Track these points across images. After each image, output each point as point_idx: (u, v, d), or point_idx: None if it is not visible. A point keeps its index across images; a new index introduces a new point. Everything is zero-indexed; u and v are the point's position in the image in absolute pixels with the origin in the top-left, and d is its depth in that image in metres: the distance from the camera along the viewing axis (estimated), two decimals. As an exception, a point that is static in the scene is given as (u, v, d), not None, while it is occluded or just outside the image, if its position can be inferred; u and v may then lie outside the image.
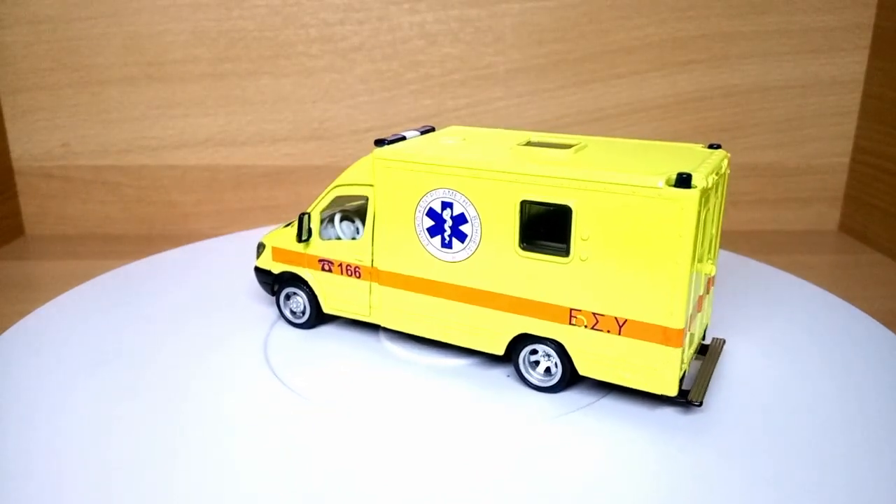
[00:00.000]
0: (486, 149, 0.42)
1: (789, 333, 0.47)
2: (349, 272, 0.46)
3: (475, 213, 0.40)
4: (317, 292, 0.47)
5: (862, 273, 0.67)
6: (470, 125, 0.78)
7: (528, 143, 0.42)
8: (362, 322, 0.49)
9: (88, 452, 0.34)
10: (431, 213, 0.41)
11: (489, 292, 0.41)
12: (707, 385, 0.39)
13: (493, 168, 0.39)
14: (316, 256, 0.47)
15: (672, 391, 0.37)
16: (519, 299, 0.40)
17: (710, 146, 0.41)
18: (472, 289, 0.41)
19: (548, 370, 0.40)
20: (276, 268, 0.49)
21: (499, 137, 0.45)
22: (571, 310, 0.38)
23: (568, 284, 0.38)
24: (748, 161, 0.80)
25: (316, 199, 0.47)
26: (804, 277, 0.59)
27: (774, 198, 0.81)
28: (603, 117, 0.78)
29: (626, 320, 0.37)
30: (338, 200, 0.47)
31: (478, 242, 0.40)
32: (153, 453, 0.34)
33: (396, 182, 0.42)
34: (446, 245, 0.41)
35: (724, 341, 0.44)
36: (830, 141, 0.79)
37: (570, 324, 0.39)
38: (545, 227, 0.38)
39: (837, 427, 0.37)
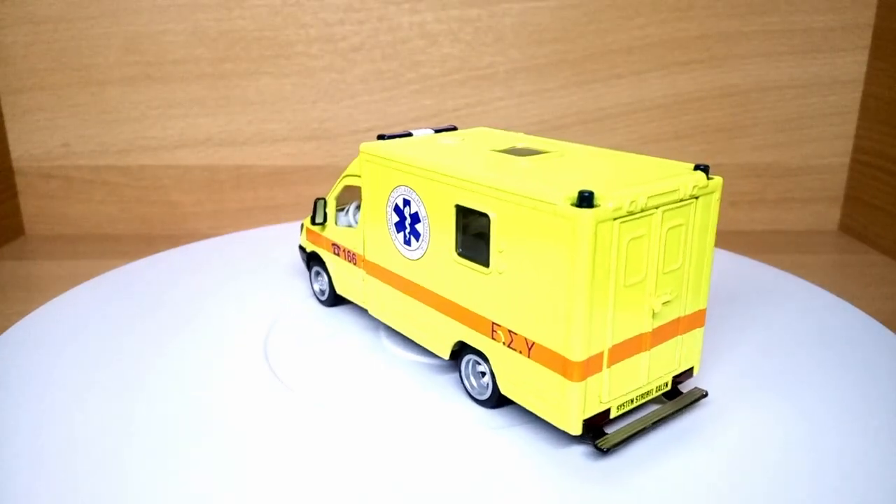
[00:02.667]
0: (463, 152, 0.41)
1: (789, 333, 0.47)
2: (350, 259, 0.48)
3: (426, 214, 0.39)
4: (331, 273, 0.50)
5: (862, 273, 0.67)
6: (470, 125, 0.78)
7: (508, 149, 0.40)
8: (362, 322, 0.49)
9: (88, 452, 0.34)
10: (397, 210, 0.42)
11: (436, 294, 0.40)
12: (632, 434, 0.34)
13: (434, 170, 0.38)
14: (330, 241, 0.50)
15: (571, 429, 0.33)
16: (457, 305, 0.39)
17: (697, 167, 0.35)
18: (424, 289, 0.41)
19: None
20: (308, 247, 0.53)
21: (495, 140, 0.44)
22: (493, 323, 0.36)
23: (489, 297, 0.36)
24: (748, 161, 0.80)
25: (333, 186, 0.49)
26: (804, 277, 0.59)
27: (774, 198, 0.81)
28: (603, 117, 0.78)
29: (533, 343, 0.34)
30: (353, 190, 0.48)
31: (428, 243, 0.40)
32: (153, 453, 0.34)
33: (375, 177, 0.43)
34: (406, 242, 0.41)
35: (705, 394, 0.38)
36: (830, 141, 0.79)
37: (493, 338, 0.37)
38: (474, 235, 0.37)
39: (837, 427, 0.37)
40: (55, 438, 0.36)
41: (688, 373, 0.38)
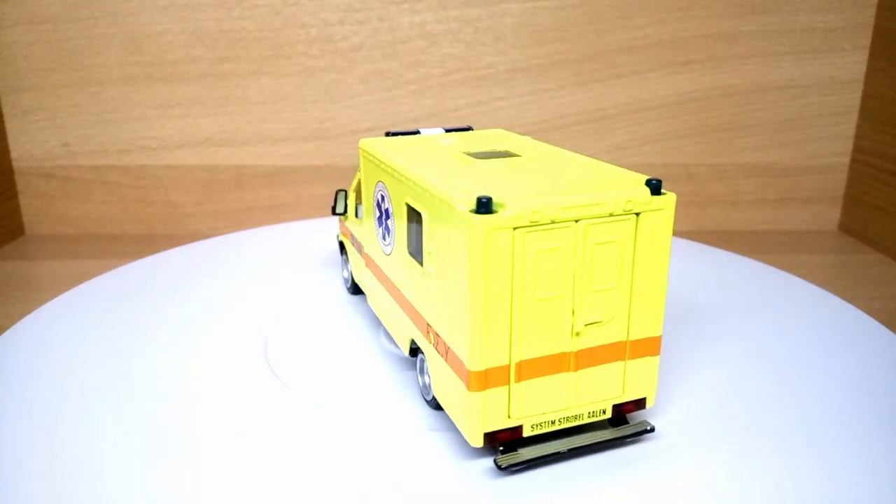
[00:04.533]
0: (436, 152, 0.40)
1: (789, 333, 0.47)
2: (359, 249, 0.49)
3: (392, 210, 0.40)
4: (350, 262, 0.53)
5: (862, 273, 0.67)
6: (470, 125, 0.78)
7: (480, 152, 0.40)
8: (362, 321, 0.49)
9: (88, 452, 0.35)
10: (377, 204, 0.42)
11: (398, 291, 0.40)
12: (541, 457, 0.33)
13: (395, 168, 0.38)
14: (349, 230, 0.51)
15: (471, 440, 0.32)
16: (409, 303, 0.38)
17: (648, 182, 0.32)
18: (392, 284, 0.41)
19: None
20: (339, 236, 0.56)
21: (487, 142, 0.44)
22: (427, 324, 0.36)
23: (424, 296, 0.35)
24: (748, 161, 0.80)
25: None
26: (804, 277, 0.59)
27: (774, 198, 0.81)
28: (603, 117, 0.78)
29: (448, 348, 0.33)
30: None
31: (394, 239, 0.40)
32: (153, 453, 0.34)
33: (367, 172, 0.44)
34: (383, 237, 0.42)
35: (650, 429, 0.35)
36: (830, 141, 0.79)
37: (427, 339, 0.36)
38: (417, 234, 0.36)
39: (837, 427, 0.37)
40: (55, 438, 0.36)
41: (640, 403, 0.35)
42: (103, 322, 0.49)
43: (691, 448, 0.35)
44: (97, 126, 0.77)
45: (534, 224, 0.30)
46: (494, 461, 0.32)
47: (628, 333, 0.34)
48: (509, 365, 0.32)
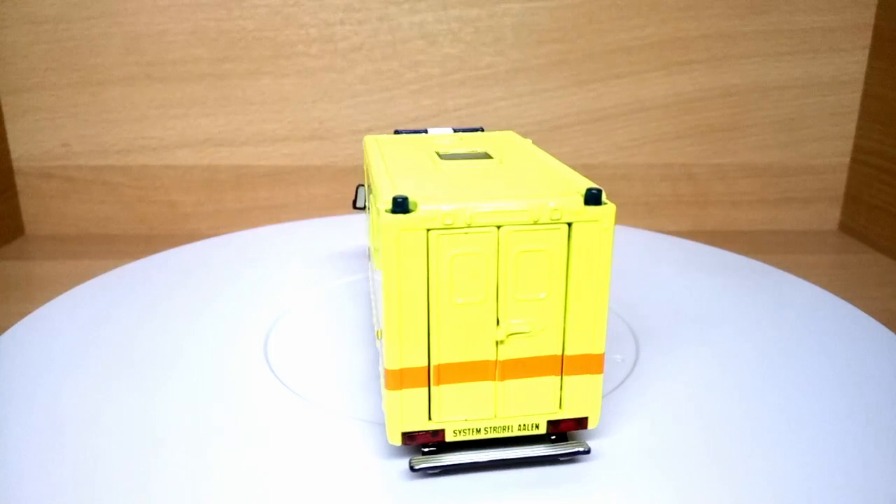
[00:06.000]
0: (414, 151, 0.40)
1: (789, 333, 0.47)
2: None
3: (368, 207, 0.40)
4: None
5: (862, 273, 0.67)
6: (470, 125, 0.78)
7: (452, 153, 0.39)
8: (363, 321, 0.49)
9: (87, 452, 0.35)
10: (365, 201, 0.43)
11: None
12: (457, 465, 0.32)
13: (368, 165, 0.39)
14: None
15: (390, 438, 0.32)
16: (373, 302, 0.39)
17: (588, 191, 0.31)
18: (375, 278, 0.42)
19: None
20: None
21: (475, 143, 0.43)
22: (375, 323, 0.36)
23: (374, 295, 0.36)
24: (748, 161, 0.80)
25: None
26: (804, 277, 0.59)
27: (774, 198, 0.81)
28: (603, 117, 0.78)
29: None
30: None
31: (370, 236, 0.40)
32: (153, 453, 0.34)
33: (367, 167, 0.45)
34: (369, 233, 0.43)
35: (586, 451, 0.33)
36: (830, 141, 0.79)
37: (377, 337, 0.36)
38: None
39: (837, 427, 0.37)
40: (55, 438, 0.36)
41: (582, 422, 0.34)
42: (103, 322, 0.49)
43: (629, 474, 0.33)
44: (97, 126, 0.77)
45: (448, 227, 0.30)
46: (409, 462, 0.32)
47: (563, 348, 0.32)
48: (428, 367, 0.31)
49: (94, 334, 0.47)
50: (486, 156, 0.38)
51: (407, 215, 0.29)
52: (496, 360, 0.32)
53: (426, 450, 0.33)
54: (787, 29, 0.76)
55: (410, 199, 0.30)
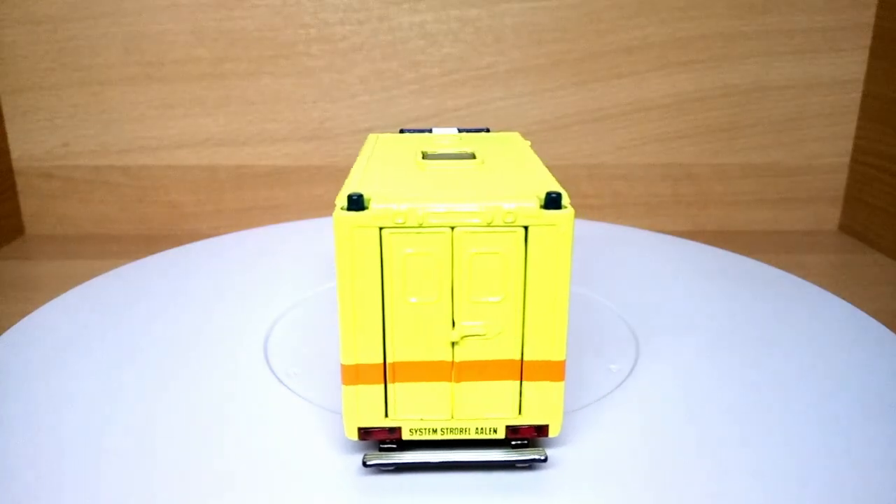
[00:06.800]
0: (402, 150, 0.41)
1: (789, 333, 0.47)
2: None
3: None
4: None
5: (862, 273, 0.67)
6: (470, 125, 0.78)
7: (439, 153, 0.39)
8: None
9: (88, 452, 0.35)
10: None
11: None
12: (407, 466, 0.33)
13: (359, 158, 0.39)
14: None
15: (347, 432, 0.33)
16: None
17: (548, 195, 0.30)
18: None
19: None
20: None
21: (465, 144, 0.43)
22: None
23: None
24: (748, 161, 0.80)
25: None
26: (804, 277, 0.59)
27: (774, 198, 0.81)
28: (603, 117, 0.78)
29: None
30: None
31: None
32: (152, 454, 0.34)
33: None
34: None
35: (543, 459, 0.33)
36: (830, 141, 0.79)
37: None
38: None
39: (837, 427, 0.37)
40: (55, 439, 0.36)
41: (543, 430, 0.33)
42: (103, 322, 0.49)
43: (589, 486, 0.32)
44: (97, 126, 0.77)
45: (399, 226, 0.30)
46: (363, 458, 0.33)
47: (522, 353, 0.32)
48: (383, 364, 0.32)
49: (94, 334, 0.47)
50: (471, 156, 0.38)
51: (359, 213, 0.30)
52: (452, 362, 0.32)
53: (385, 446, 0.33)
54: (787, 29, 0.76)
55: (365, 197, 0.30)
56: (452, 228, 0.30)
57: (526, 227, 0.30)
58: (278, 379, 0.42)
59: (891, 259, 0.71)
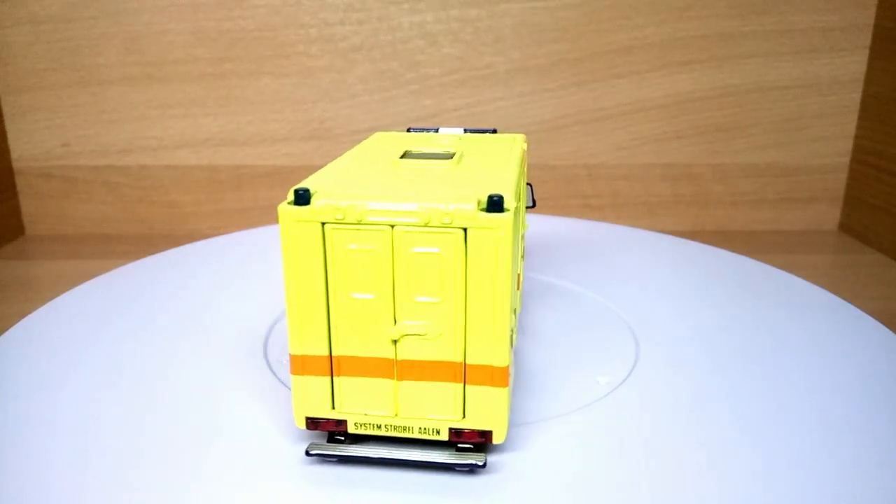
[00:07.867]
0: (390, 147, 0.41)
1: (789, 333, 0.47)
2: None
3: None
4: None
5: (862, 273, 0.67)
6: (470, 125, 0.78)
7: (421, 151, 0.39)
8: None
9: (87, 452, 0.35)
10: None
11: None
12: (349, 458, 0.33)
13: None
14: None
15: (296, 421, 0.34)
16: None
17: (489, 198, 0.30)
18: None
19: None
20: None
21: (455, 144, 0.43)
22: None
23: None
24: (748, 161, 0.80)
25: None
26: (804, 277, 0.59)
27: (774, 198, 0.81)
28: (603, 117, 0.78)
29: None
30: None
31: None
32: (152, 454, 0.35)
33: None
34: None
35: (482, 465, 0.32)
36: (830, 141, 0.79)
37: None
38: None
39: (837, 428, 0.37)
40: (55, 439, 0.36)
41: (487, 435, 0.33)
42: (103, 322, 0.49)
43: (528, 494, 0.32)
44: (97, 126, 0.77)
45: (339, 222, 0.30)
46: (307, 447, 0.33)
47: (464, 356, 0.32)
48: (329, 357, 0.32)
49: (94, 334, 0.47)
50: (449, 157, 0.38)
51: (301, 207, 0.31)
52: (394, 360, 0.32)
53: (336, 438, 0.34)
54: (787, 29, 0.76)
55: (312, 192, 0.31)
56: (392, 227, 0.31)
57: (465, 230, 0.30)
58: (278, 379, 0.42)
59: (891, 259, 0.71)
